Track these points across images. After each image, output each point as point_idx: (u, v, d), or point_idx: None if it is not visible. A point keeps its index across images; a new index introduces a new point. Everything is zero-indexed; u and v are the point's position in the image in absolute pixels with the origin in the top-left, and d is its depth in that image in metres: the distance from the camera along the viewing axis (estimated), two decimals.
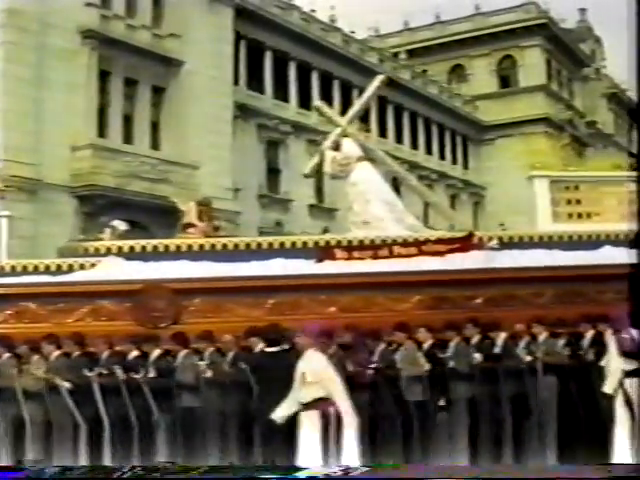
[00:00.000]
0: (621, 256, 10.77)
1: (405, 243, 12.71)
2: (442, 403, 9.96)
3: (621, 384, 9.00)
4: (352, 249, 12.71)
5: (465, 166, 53.81)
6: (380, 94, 32.73)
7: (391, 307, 11.40)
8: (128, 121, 29.70)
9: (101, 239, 14.15)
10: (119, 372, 9.90)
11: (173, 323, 11.18)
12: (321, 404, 8.10)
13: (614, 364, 9.06)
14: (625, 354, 8.96)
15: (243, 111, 35.58)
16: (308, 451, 8.01)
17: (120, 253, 12.93)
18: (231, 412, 9.80)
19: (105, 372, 9.92)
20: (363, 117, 34.90)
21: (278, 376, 8.75)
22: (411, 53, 53.86)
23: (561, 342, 10.19)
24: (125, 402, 9.86)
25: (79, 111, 27.08)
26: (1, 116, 24.25)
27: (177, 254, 12.84)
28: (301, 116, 38.92)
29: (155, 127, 30.77)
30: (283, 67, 39.01)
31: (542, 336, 10.28)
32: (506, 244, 12.92)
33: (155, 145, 30.50)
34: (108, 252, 12.99)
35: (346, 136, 15.33)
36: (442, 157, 51.35)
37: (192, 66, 31.23)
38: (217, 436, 9.80)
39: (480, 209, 53.64)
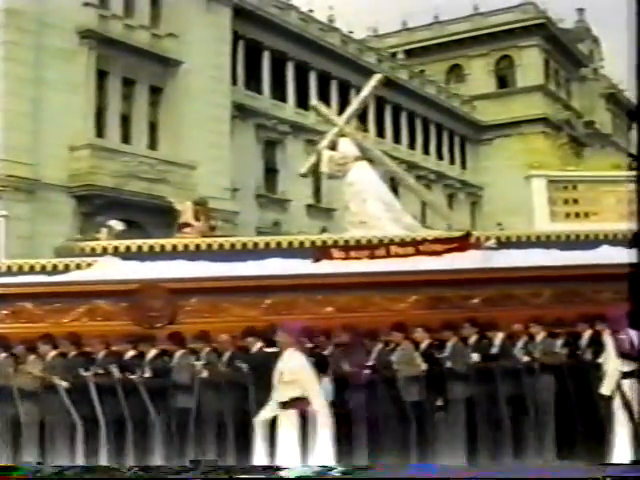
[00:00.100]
0: (619, 256, 10.76)
1: (402, 243, 12.68)
2: (440, 403, 9.95)
3: (619, 385, 8.97)
4: (349, 249, 12.68)
5: (463, 166, 53.82)
6: (378, 94, 32.86)
7: (388, 307, 11.39)
8: (126, 121, 29.66)
9: (98, 239, 14.11)
10: (115, 372, 9.89)
11: (169, 323, 11.16)
12: (299, 403, 8.10)
13: (612, 365, 9.03)
14: (623, 355, 8.93)
15: (241, 111, 35.56)
16: (286, 451, 8.00)
17: (116, 253, 12.91)
18: (227, 412, 9.78)
19: (101, 372, 9.90)
20: (361, 117, 35.00)
21: None
22: (409, 53, 53.91)
23: (559, 342, 10.19)
24: (121, 402, 9.84)
25: (77, 111, 27.03)
26: None
27: (173, 254, 12.81)
28: (299, 116, 38.91)
29: (153, 127, 30.73)
30: (281, 67, 38.99)
31: (540, 336, 10.28)
32: (503, 244, 12.89)
33: (153, 145, 30.47)
34: (104, 252, 12.97)
35: (343, 135, 15.30)
36: (440, 157, 51.34)
37: (190, 66, 31.19)
38: (213, 436, 9.77)
39: (478, 209, 53.65)
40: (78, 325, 11.15)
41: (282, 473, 7.60)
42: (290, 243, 13.32)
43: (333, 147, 15.18)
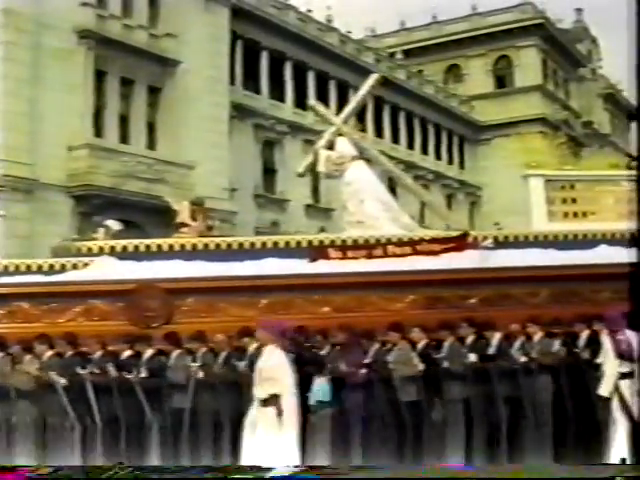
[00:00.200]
0: (617, 255, 10.74)
1: (399, 243, 12.67)
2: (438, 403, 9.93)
3: (617, 386, 8.95)
4: (346, 249, 12.66)
5: (461, 166, 53.82)
6: (376, 94, 32.82)
7: (385, 307, 11.36)
8: (124, 121, 29.63)
9: (94, 239, 14.09)
10: (112, 371, 9.86)
11: (166, 323, 11.14)
12: (277, 401, 8.09)
13: (610, 366, 9.01)
14: (621, 356, 8.91)
15: (239, 111, 35.53)
16: (261, 449, 8.00)
17: (113, 253, 12.89)
18: (223, 412, 9.76)
19: (97, 371, 9.87)
20: (359, 117, 35.00)
21: None
22: (407, 53, 53.83)
23: (556, 342, 10.15)
24: (117, 402, 9.81)
25: (75, 111, 26.99)
26: None
27: (170, 254, 12.79)
28: (297, 116, 38.86)
29: (151, 127, 30.71)
30: (279, 67, 38.97)
31: (537, 336, 10.24)
32: (501, 243, 12.86)
33: (151, 145, 30.45)
34: (101, 252, 12.96)
35: (341, 135, 15.27)
36: (438, 157, 51.32)
37: (188, 66, 31.18)
38: (209, 436, 9.75)
39: (476, 209, 53.66)
40: (74, 325, 11.12)
41: (269, 473, 7.54)
42: (287, 243, 13.29)
43: (331, 147, 15.16)
